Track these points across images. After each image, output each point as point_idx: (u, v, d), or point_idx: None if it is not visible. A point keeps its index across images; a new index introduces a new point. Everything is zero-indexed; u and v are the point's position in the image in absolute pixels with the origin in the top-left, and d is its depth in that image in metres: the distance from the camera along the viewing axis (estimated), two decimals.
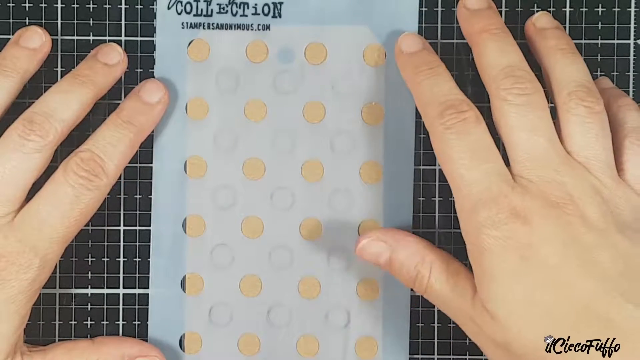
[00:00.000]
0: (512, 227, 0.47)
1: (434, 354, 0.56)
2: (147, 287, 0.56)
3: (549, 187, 0.48)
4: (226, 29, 0.56)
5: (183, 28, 0.56)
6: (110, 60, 0.54)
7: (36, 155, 0.52)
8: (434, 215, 0.56)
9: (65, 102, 0.53)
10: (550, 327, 0.47)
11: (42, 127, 0.52)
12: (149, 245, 0.56)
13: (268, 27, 0.56)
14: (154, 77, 0.56)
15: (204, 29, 0.56)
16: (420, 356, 0.56)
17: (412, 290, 0.56)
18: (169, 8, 0.55)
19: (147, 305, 0.56)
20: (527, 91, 0.50)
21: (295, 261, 0.56)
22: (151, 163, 0.56)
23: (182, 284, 0.56)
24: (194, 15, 0.55)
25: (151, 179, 0.56)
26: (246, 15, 0.56)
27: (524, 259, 0.47)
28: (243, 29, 0.56)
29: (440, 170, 0.56)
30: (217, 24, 0.56)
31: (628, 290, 0.47)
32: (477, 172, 0.49)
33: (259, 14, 0.56)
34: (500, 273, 0.48)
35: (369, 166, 0.56)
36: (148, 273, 0.56)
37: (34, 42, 0.54)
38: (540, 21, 0.54)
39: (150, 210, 0.56)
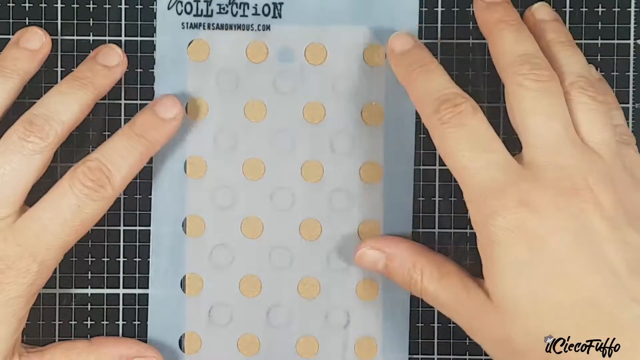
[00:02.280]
0: (520, 217, 0.47)
1: (433, 354, 0.56)
2: (147, 287, 0.56)
3: (563, 173, 0.48)
4: (226, 29, 0.56)
5: (183, 28, 0.55)
6: (110, 62, 0.54)
7: (36, 156, 0.52)
8: (433, 215, 0.56)
9: (65, 104, 0.52)
10: (554, 323, 0.46)
11: (41, 129, 0.52)
12: (149, 245, 0.56)
13: (268, 28, 0.56)
14: (154, 77, 0.56)
15: (204, 29, 0.55)
16: (420, 356, 0.56)
17: None
18: (169, 8, 0.55)
19: (147, 305, 0.56)
20: (544, 78, 0.49)
21: (295, 261, 0.56)
22: (151, 163, 0.56)
23: (182, 284, 0.56)
24: (194, 16, 0.55)
25: (151, 179, 0.56)
26: (246, 16, 0.56)
27: (532, 250, 0.47)
28: (243, 29, 0.56)
29: (440, 170, 0.56)
30: (217, 24, 0.55)
31: (634, 289, 0.46)
32: (479, 162, 0.49)
33: (259, 14, 0.56)
34: (507, 265, 0.47)
35: (368, 166, 0.56)
36: (148, 273, 0.56)
37: (34, 43, 0.54)
38: (540, 13, 0.54)
39: (150, 210, 0.56)
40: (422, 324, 0.56)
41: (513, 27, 0.51)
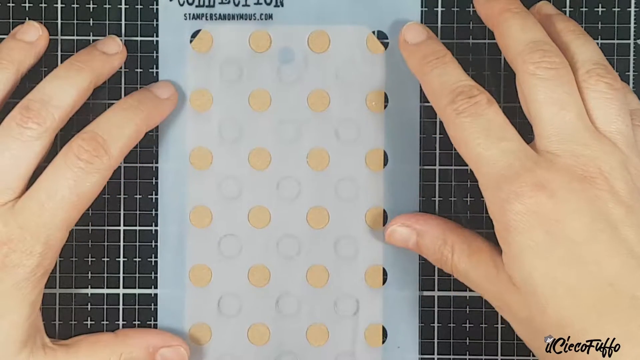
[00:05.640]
0: (536, 201, 0.47)
1: (434, 354, 0.56)
2: (148, 287, 0.56)
3: (577, 161, 0.48)
4: (229, 20, 0.56)
5: (185, 19, 0.56)
6: (109, 49, 0.54)
7: (35, 142, 0.51)
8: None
9: (61, 88, 0.52)
10: (573, 306, 0.46)
11: (39, 114, 0.51)
12: (150, 245, 0.56)
13: (271, 17, 0.56)
14: (157, 72, 0.56)
15: (206, 20, 0.56)
16: (419, 356, 0.56)
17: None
18: (170, 0, 0.56)
19: (148, 305, 0.56)
20: (556, 65, 0.49)
21: (303, 250, 0.56)
22: (152, 163, 0.56)
23: (191, 275, 0.56)
24: (196, 7, 0.56)
25: (152, 178, 0.56)
26: (248, 5, 0.56)
27: (550, 234, 0.47)
28: (246, 19, 0.56)
29: (440, 170, 0.56)
30: (220, 15, 0.56)
31: None
32: (495, 150, 0.49)
33: (261, 4, 0.56)
34: (526, 249, 0.47)
35: (374, 154, 0.56)
36: (148, 273, 0.56)
37: (29, 36, 0.54)
38: (544, 9, 0.54)
39: (150, 210, 0.56)
40: (422, 324, 0.56)
41: (518, 14, 0.52)
